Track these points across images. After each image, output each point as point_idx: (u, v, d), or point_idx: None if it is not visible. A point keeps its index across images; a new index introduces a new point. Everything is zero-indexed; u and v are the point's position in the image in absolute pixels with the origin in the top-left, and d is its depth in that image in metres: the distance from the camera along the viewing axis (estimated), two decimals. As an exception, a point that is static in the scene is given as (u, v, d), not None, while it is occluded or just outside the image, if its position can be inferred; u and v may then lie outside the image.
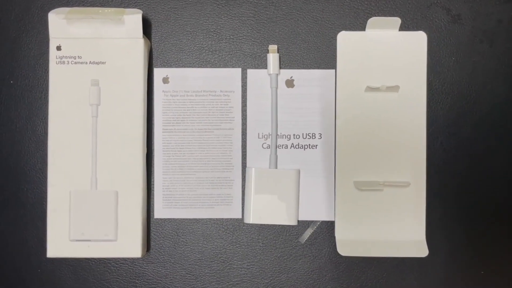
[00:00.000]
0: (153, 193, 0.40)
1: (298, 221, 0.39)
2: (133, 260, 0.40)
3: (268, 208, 0.39)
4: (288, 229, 0.40)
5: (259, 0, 0.41)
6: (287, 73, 0.40)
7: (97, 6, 0.40)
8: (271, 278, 0.40)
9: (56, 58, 0.38)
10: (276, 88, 0.40)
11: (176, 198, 0.40)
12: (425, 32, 0.40)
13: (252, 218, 0.39)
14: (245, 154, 0.40)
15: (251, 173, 0.39)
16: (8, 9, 0.40)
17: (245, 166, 0.40)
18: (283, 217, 0.39)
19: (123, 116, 0.38)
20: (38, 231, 0.40)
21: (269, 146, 0.40)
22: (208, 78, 0.40)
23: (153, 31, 0.41)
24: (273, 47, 0.40)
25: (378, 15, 0.40)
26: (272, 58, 0.40)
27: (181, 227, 0.40)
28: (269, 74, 0.40)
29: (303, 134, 0.40)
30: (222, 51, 0.41)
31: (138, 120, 0.38)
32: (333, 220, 0.40)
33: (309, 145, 0.40)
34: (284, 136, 0.40)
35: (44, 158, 0.40)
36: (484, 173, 0.40)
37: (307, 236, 0.40)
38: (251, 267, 0.40)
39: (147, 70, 0.39)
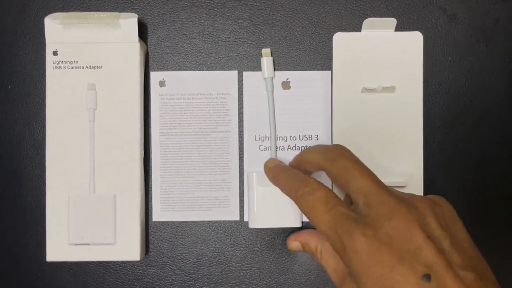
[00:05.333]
0: (151, 196, 0.40)
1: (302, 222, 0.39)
2: (132, 263, 0.40)
3: (272, 211, 0.38)
4: (286, 230, 0.40)
5: (254, 2, 0.41)
6: (283, 75, 0.40)
7: (92, 10, 0.41)
8: (269, 279, 0.40)
9: (53, 63, 0.38)
10: (272, 91, 0.40)
11: (174, 201, 0.40)
12: (421, 32, 0.40)
13: (257, 222, 0.38)
14: (242, 156, 0.40)
15: (253, 178, 0.38)
16: (4, 14, 0.40)
17: (243, 168, 0.40)
18: (287, 219, 0.38)
19: (120, 120, 0.38)
20: (37, 235, 0.40)
21: (266, 148, 0.40)
22: (204, 81, 0.40)
23: (149, 34, 0.41)
24: (266, 51, 0.40)
25: (374, 16, 0.40)
26: (266, 61, 0.40)
27: (179, 229, 0.40)
28: (264, 78, 0.40)
29: (299, 135, 0.40)
30: (218, 54, 0.41)
31: (135, 124, 0.38)
32: (330, 221, 0.40)
33: (306, 146, 0.40)
34: (281, 138, 0.40)
35: (42, 163, 0.40)
36: (482, 173, 0.40)
37: None
38: (250, 269, 0.41)
39: (144, 74, 0.40)
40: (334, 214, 0.28)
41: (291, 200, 0.32)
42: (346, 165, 0.30)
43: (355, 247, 0.25)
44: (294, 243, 0.37)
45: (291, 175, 0.34)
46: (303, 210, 0.30)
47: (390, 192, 0.28)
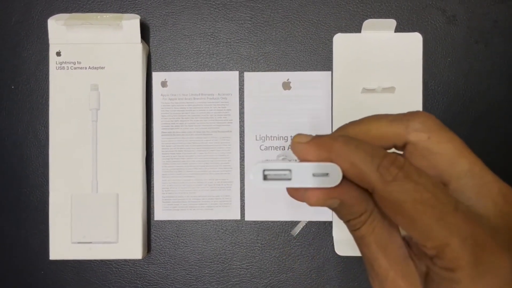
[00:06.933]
0: (153, 196, 0.41)
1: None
2: (134, 262, 0.41)
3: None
4: (287, 229, 0.41)
5: (255, 3, 0.41)
6: (284, 75, 0.41)
7: (95, 12, 0.41)
8: (270, 278, 0.41)
9: (56, 63, 0.39)
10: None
11: (176, 200, 0.40)
12: (421, 33, 0.40)
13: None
14: (243, 156, 0.41)
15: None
16: (8, 15, 0.41)
17: (243, 167, 0.41)
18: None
19: (123, 120, 0.39)
20: (40, 234, 0.40)
21: (266, 148, 0.41)
22: (205, 81, 0.41)
23: (151, 35, 0.41)
24: None
25: (374, 17, 0.41)
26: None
27: (181, 228, 0.41)
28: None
29: (300, 135, 0.41)
30: (219, 55, 0.41)
31: (137, 124, 0.39)
32: (330, 220, 0.40)
33: (307, 146, 0.41)
34: (281, 138, 0.41)
35: (46, 162, 0.40)
36: (480, 173, 0.41)
37: (299, 229, 0.40)
38: (251, 268, 0.41)
39: (146, 74, 0.40)
40: (466, 218, 0.19)
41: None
42: (454, 140, 0.22)
43: (500, 267, 0.19)
44: (329, 200, 0.22)
45: (358, 145, 0.21)
46: (401, 204, 0.19)
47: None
